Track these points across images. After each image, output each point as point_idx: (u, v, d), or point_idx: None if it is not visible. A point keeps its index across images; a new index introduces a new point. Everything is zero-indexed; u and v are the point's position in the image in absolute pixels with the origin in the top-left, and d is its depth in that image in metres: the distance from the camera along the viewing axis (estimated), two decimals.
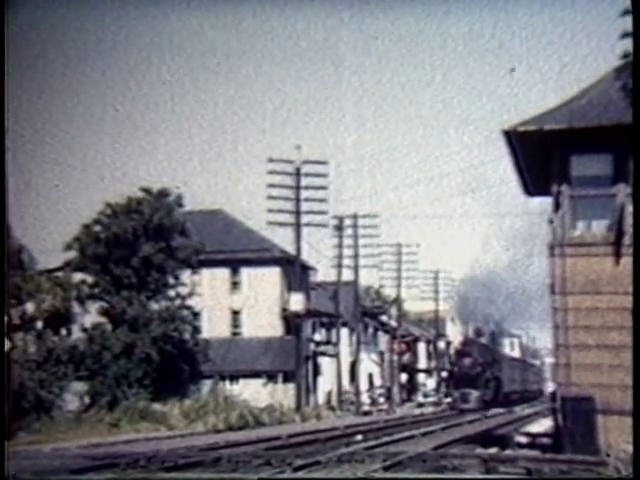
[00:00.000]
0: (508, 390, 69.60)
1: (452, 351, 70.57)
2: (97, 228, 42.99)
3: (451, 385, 63.62)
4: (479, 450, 21.95)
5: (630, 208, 18.93)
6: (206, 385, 45.61)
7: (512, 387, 73.70)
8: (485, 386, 62.09)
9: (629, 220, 18.98)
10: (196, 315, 46.30)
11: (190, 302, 44.66)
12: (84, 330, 42.17)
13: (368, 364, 66.95)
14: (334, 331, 59.79)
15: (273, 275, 56.20)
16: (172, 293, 43.96)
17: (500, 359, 70.01)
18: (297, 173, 49.44)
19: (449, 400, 63.22)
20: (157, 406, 37.81)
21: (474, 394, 60.01)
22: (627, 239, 19.12)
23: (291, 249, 51.31)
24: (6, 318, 26.38)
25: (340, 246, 58.15)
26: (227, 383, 49.87)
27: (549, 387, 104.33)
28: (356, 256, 58.53)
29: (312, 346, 57.45)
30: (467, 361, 62.39)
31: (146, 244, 42.69)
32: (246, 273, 56.77)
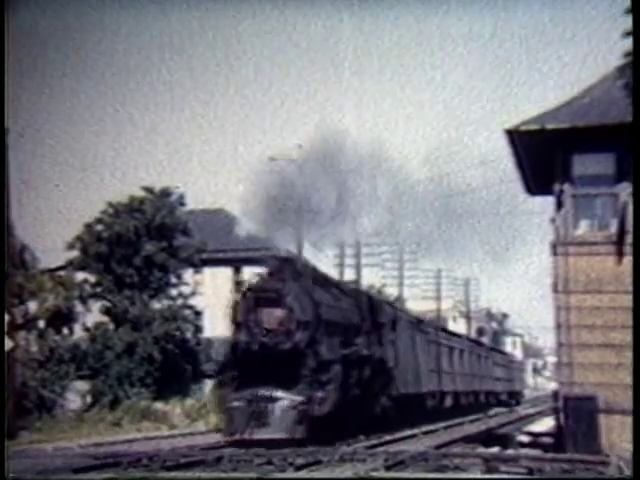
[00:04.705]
0: (410, 390, 33.06)
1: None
2: (99, 227, 43.00)
3: (229, 378, 24.83)
4: (481, 449, 21.94)
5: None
6: (208, 384, 45.59)
7: (430, 385, 37.59)
8: (316, 381, 24.00)
9: (631, 219, 18.98)
10: (198, 314, 46.26)
11: (192, 301, 44.66)
12: (86, 329, 42.18)
13: None
14: None
15: None
16: (174, 292, 43.99)
17: (386, 320, 30.85)
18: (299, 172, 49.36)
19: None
20: (159, 405, 37.82)
21: (281, 402, 23.31)
22: (630, 238, 19.11)
23: (292, 248, 51.27)
24: (9, 317, 26.40)
25: (341, 245, 58.14)
26: None
27: (526, 389, 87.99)
28: (358, 255, 58.51)
29: None
30: (272, 317, 24.43)
31: (148, 243, 42.71)
32: (248, 272, 56.71)
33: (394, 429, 27.90)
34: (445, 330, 47.84)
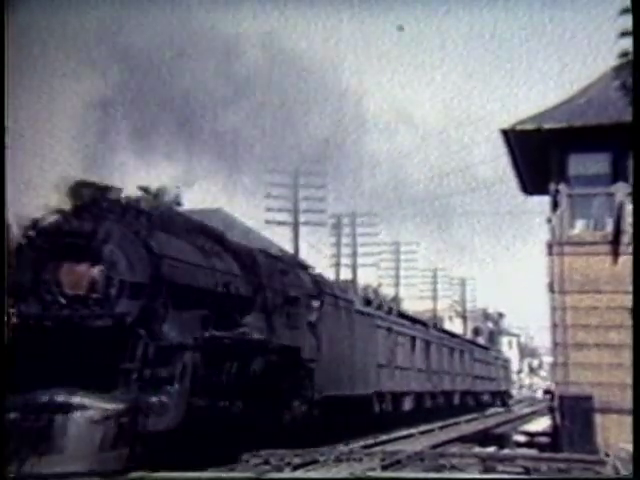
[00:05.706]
0: (342, 391, 24.54)
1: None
2: None
3: None
4: (477, 449, 21.97)
5: (629, 207, 18.97)
6: None
7: (377, 384, 29.49)
8: (152, 378, 14.23)
9: (628, 219, 19.01)
10: None
11: None
12: None
13: None
14: None
15: None
16: None
17: (301, 294, 21.42)
18: (295, 172, 49.44)
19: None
20: None
21: (82, 412, 13.17)
22: (626, 238, 19.15)
23: (289, 248, 51.30)
24: (5, 317, 26.37)
25: (338, 245, 58.18)
26: None
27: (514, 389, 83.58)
28: (354, 255, 58.55)
29: None
30: (77, 277, 14.74)
31: None
32: None
33: (320, 444, 19.63)
34: (404, 315, 39.10)
